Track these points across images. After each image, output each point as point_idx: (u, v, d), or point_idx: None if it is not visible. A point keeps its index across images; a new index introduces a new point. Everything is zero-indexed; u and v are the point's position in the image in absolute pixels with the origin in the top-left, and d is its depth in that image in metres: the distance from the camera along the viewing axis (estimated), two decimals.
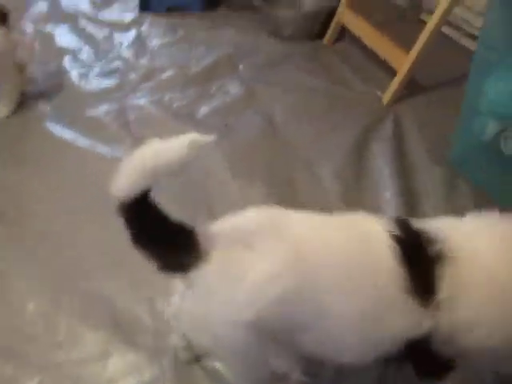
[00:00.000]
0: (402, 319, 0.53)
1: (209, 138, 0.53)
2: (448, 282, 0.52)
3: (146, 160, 0.51)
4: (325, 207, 1.03)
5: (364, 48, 1.49)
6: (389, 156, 1.14)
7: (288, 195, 1.08)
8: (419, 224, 0.57)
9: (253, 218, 0.59)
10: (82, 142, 1.28)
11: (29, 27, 1.84)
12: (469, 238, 0.55)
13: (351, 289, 0.54)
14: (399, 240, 0.55)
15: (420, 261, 0.54)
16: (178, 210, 1.05)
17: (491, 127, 0.92)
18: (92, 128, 1.33)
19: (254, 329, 0.54)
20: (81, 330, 0.85)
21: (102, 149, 1.25)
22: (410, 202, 1.03)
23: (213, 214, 1.06)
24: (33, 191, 1.13)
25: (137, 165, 0.52)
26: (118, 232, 1.01)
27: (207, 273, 0.55)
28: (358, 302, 0.54)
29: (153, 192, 1.10)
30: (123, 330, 0.85)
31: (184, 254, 0.55)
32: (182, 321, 0.63)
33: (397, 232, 0.55)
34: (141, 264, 0.94)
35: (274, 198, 1.07)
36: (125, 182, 0.52)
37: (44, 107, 1.39)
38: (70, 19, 1.88)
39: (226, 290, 0.55)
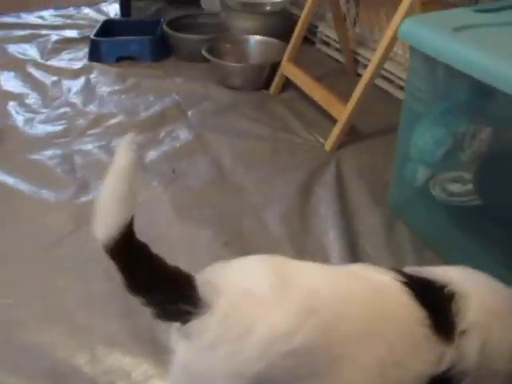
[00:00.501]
0: (426, 357, 0.54)
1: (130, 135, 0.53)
2: (463, 316, 0.55)
3: (117, 193, 0.52)
4: (271, 250, 1.06)
5: (307, 98, 1.58)
6: (332, 200, 1.19)
7: (235, 240, 1.09)
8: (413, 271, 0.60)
9: (257, 266, 0.57)
10: (25, 187, 1.24)
11: None
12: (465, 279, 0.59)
13: (370, 336, 0.53)
14: (411, 286, 0.56)
15: (436, 301, 0.56)
16: None
17: (421, 174, 1.00)
18: (36, 173, 1.30)
19: (261, 381, 0.52)
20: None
21: (46, 194, 1.23)
22: (353, 242, 1.07)
23: None
24: None
25: (111, 200, 0.52)
26: (56, 278, 0.99)
27: (211, 323, 0.51)
28: (378, 349, 0.53)
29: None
30: (63, 381, 0.81)
31: (183, 301, 0.52)
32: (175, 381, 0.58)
33: (404, 279, 0.57)
34: (79, 311, 0.92)
35: (221, 242, 1.08)
36: (104, 219, 0.51)
37: None
38: (18, 65, 1.87)
39: (232, 341, 0.51)
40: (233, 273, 0.57)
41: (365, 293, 0.56)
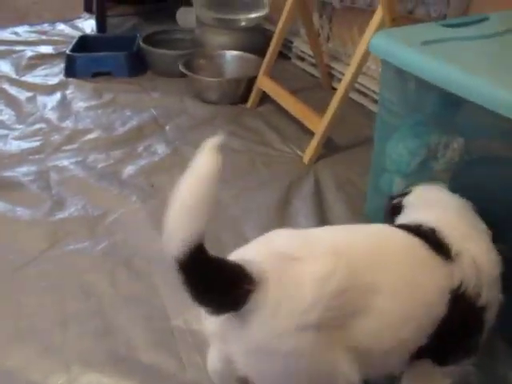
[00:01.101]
0: (438, 273, 0.64)
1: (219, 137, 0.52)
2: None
3: (191, 208, 0.51)
4: None
5: (283, 111, 1.60)
6: (310, 211, 1.20)
7: (214, 252, 1.08)
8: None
9: (286, 237, 0.63)
10: None
11: None
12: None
13: (390, 265, 0.62)
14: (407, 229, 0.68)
15: (428, 236, 0.67)
16: (99, 271, 1.03)
17: (397, 184, 1.02)
18: (9, 190, 1.27)
19: (320, 327, 0.56)
20: None
21: (21, 212, 1.20)
22: None
23: (135, 274, 1.03)
24: None
25: (185, 215, 0.51)
26: (28, 298, 0.97)
27: (267, 295, 0.55)
28: (401, 273, 0.62)
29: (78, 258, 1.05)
30: None
31: (239, 288, 0.55)
32: (237, 362, 0.60)
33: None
34: (53, 330, 0.90)
35: None
36: (180, 233, 0.50)
37: None
38: None
39: (288, 301, 0.56)
40: (265, 246, 0.62)
41: (376, 236, 0.67)
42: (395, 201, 0.82)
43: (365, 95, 1.71)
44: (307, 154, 1.40)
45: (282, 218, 1.19)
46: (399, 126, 0.99)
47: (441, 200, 0.77)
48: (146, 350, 0.88)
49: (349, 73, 1.29)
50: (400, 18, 1.22)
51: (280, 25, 1.61)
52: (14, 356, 0.86)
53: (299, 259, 0.58)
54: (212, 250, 1.06)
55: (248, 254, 0.62)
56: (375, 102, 1.67)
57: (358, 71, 1.28)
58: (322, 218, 1.18)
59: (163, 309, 0.96)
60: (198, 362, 0.86)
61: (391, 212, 0.81)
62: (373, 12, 1.24)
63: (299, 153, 1.45)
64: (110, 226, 1.17)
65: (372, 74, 1.68)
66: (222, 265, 0.56)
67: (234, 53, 1.86)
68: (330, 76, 1.85)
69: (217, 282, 0.55)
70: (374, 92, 1.66)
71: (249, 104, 1.73)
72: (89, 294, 0.99)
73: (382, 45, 0.92)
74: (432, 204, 0.76)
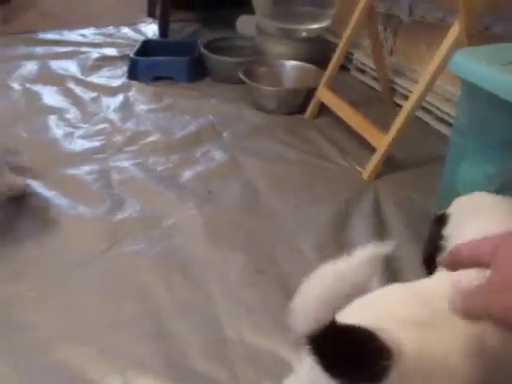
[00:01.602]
0: None
1: (390, 245, 0.46)
2: None
3: (329, 289, 0.45)
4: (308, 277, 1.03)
5: (342, 124, 1.57)
6: (369, 231, 1.16)
7: (270, 267, 1.07)
8: None
9: (407, 297, 0.55)
10: (62, 201, 1.26)
11: (16, 86, 1.87)
12: None
13: None
14: None
15: None
16: (155, 274, 1.04)
17: None
18: (73, 187, 1.31)
19: None
20: None
21: (82, 209, 1.24)
22: (392, 278, 1.03)
23: (190, 281, 1.03)
24: None
25: (320, 295, 0.45)
26: (85, 297, 0.98)
27: (407, 371, 0.47)
28: None
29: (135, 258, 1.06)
30: None
31: (376, 363, 0.47)
32: None
33: None
34: (109, 332, 0.91)
35: (254, 269, 1.07)
36: (310, 315, 0.45)
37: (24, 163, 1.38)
38: (59, 80, 1.92)
39: (434, 379, 0.48)
40: (385, 308, 0.54)
41: None
42: (440, 212, 0.73)
43: (429, 112, 1.65)
44: (367, 170, 1.37)
45: (339, 235, 1.16)
46: (474, 148, 0.94)
47: (488, 204, 0.69)
48: (199, 358, 0.88)
49: (417, 90, 1.25)
50: (477, 35, 1.17)
51: (345, 37, 1.58)
52: (73, 354, 0.88)
53: (433, 327, 0.50)
54: (267, 265, 1.06)
55: (366, 316, 0.53)
56: (438, 119, 1.62)
57: (428, 89, 1.23)
58: (381, 239, 1.14)
59: (217, 317, 0.95)
60: (250, 375, 0.85)
61: (437, 221, 0.73)
62: (445, 27, 1.20)
63: (358, 168, 1.42)
64: (167, 229, 1.18)
65: (436, 91, 1.62)
66: (356, 337, 0.48)
67: (294, 63, 1.85)
68: (392, 91, 1.81)
69: (352, 357, 0.48)
70: (438, 109, 1.60)
71: (306, 115, 1.72)
72: (144, 296, 1.00)
73: (462, 63, 0.88)
74: (479, 210, 0.68)
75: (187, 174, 1.39)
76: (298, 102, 1.72)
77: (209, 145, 1.54)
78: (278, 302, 0.98)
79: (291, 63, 1.85)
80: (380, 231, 1.16)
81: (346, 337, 0.47)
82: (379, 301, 0.56)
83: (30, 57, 2.14)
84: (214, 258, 1.09)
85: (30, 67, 2.03)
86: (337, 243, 1.13)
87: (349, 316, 0.52)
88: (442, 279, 0.57)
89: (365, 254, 0.45)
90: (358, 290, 0.46)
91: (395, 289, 0.57)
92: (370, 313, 0.54)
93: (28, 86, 1.87)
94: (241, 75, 1.75)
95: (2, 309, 0.96)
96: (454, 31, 1.15)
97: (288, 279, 1.04)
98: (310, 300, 0.45)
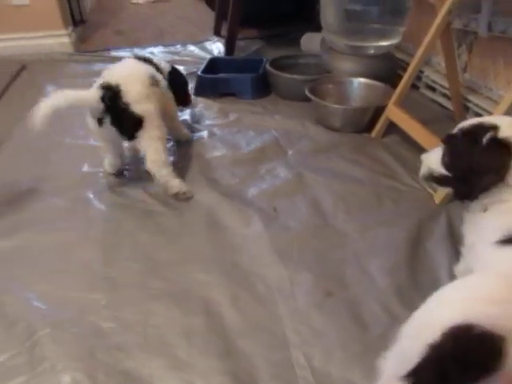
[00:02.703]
0: None
1: None
2: None
3: None
4: (377, 304, 0.99)
5: (411, 143, 1.51)
6: (443, 256, 1.10)
7: (338, 289, 1.04)
8: None
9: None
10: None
11: None
12: None
13: None
14: None
15: None
16: (223, 290, 1.04)
17: None
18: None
19: None
20: None
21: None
22: None
23: (257, 300, 1.02)
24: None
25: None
26: (157, 307, 0.99)
27: None
28: None
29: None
30: None
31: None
32: None
33: None
34: (179, 344, 0.91)
35: (323, 291, 1.04)
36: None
37: None
38: None
39: None
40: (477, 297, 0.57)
41: None
42: None
43: None
44: (439, 194, 1.30)
45: (411, 259, 1.11)
46: None
47: None
48: (266, 380, 0.86)
49: (498, 110, 1.18)
50: None
51: (418, 55, 1.53)
52: (144, 364, 0.89)
53: None
54: (336, 286, 1.03)
55: (468, 306, 0.56)
56: None
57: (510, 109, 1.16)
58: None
59: (285, 339, 0.93)
60: None
61: None
62: None
63: (430, 190, 1.36)
64: (233, 245, 1.18)
65: None
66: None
67: (362, 80, 1.82)
68: (465, 108, 1.72)
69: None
70: None
71: (373, 133, 1.68)
72: (212, 312, 1.00)
73: None
74: None
75: (253, 190, 1.40)
76: (366, 120, 1.68)
77: (274, 161, 1.54)
78: (348, 328, 0.95)
79: (359, 80, 1.82)
80: (455, 258, 1.10)
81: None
82: (473, 288, 0.59)
83: None
84: (280, 278, 1.08)
85: None
86: (408, 268, 1.08)
87: (450, 309, 0.52)
88: None
89: None
90: None
91: (487, 276, 0.60)
92: (470, 303, 0.56)
93: None
94: (307, 92, 1.74)
95: (77, 314, 1.00)
96: None
97: (357, 304, 1.00)
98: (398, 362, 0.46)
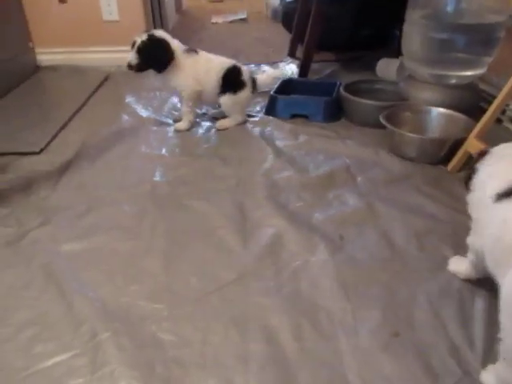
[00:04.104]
0: None
1: None
2: None
3: None
4: (449, 354, 0.91)
5: None
6: None
7: (406, 331, 0.97)
8: None
9: None
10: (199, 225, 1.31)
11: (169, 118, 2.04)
12: None
13: None
14: None
15: None
16: (283, 317, 1.01)
17: None
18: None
19: None
20: None
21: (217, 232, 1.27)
22: None
23: (318, 331, 0.98)
24: None
25: None
26: (213, 326, 0.97)
27: None
28: None
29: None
30: None
31: None
32: None
33: None
34: (236, 368, 0.89)
35: (389, 331, 0.97)
36: None
37: None
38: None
39: None
40: None
41: None
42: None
43: None
44: None
45: (487, 312, 1.01)
46: None
47: None
48: None
49: None
50: None
51: (506, 88, 1.44)
52: (199, 382, 0.88)
53: None
54: (404, 328, 0.96)
55: None
56: None
57: None
58: None
59: (346, 379, 0.88)
60: None
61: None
62: None
63: None
64: (296, 271, 1.15)
65: None
66: None
67: (442, 110, 1.74)
68: None
69: None
70: None
71: (450, 167, 1.59)
72: (271, 338, 0.97)
73: None
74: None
75: (319, 216, 1.36)
76: (443, 152, 1.60)
77: (343, 188, 1.50)
78: (415, 375, 0.88)
79: (438, 110, 1.74)
80: None
81: None
82: None
83: None
84: (344, 311, 1.03)
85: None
86: (484, 321, 0.99)
87: None
88: None
89: None
90: None
91: None
92: None
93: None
94: (382, 119, 1.69)
95: (138, 322, 1.01)
96: None
97: (426, 350, 0.93)
98: None
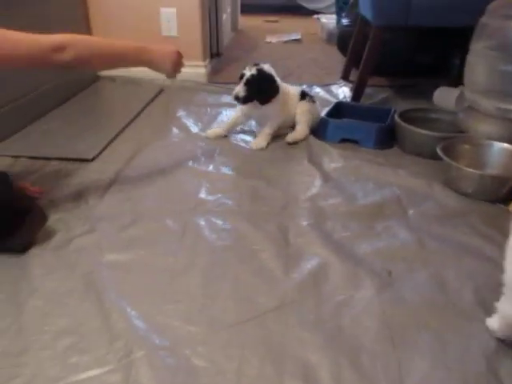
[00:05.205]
0: None
1: None
2: None
3: None
4: None
5: None
6: None
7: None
8: None
9: None
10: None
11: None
12: None
13: None
14: None
15: None
16: (322, 354, 0.95)
17: None
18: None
19: None
20: None
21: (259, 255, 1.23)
22: None
23: (360, 375, 0.91)
24: None
25: None
26: (248, 355, 0.92)
27: None
28: None
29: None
30: None
31: None
32: None
33: None
34: None
35: (437, 379, 0.90)
36: None
37: None
38: (249, 130, 2.05)
39: None
40: None
41: None
42: None
43: None
44: None
45: None
46: None
47: None
48: None
49: None
50: None
51: None
52: None
53: None
54: (453, 381, 0.88)
55: None
56: None
57: None
58: None
59: None
60: None
61: None
62: None
63: None
64: (339, 306, 1.09)
65: None
66: None
67: (505, 145, 1.64)
68: None
69: None
70: None
71: (510, 206, 1.48)
72: (309, 376, 0.91)
73: None
74: None
75: (365, 247, 1.30)
76: (504, 190, 1.50)
77: (392, 220, 1.43)
78: None
79: (501, 145, 1.64)
80: None
81: None
82: None
83: (230, 105, 2.34)
84: (388, 357, 0.96)
85: (229, 114, 2.22)
86: None
87: None
88: None
89: None
90: None
91: None
92: None
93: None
94: (438, 151, 1.61)
95: (172, 343, 0.98)
96: None
97: None
98: None
